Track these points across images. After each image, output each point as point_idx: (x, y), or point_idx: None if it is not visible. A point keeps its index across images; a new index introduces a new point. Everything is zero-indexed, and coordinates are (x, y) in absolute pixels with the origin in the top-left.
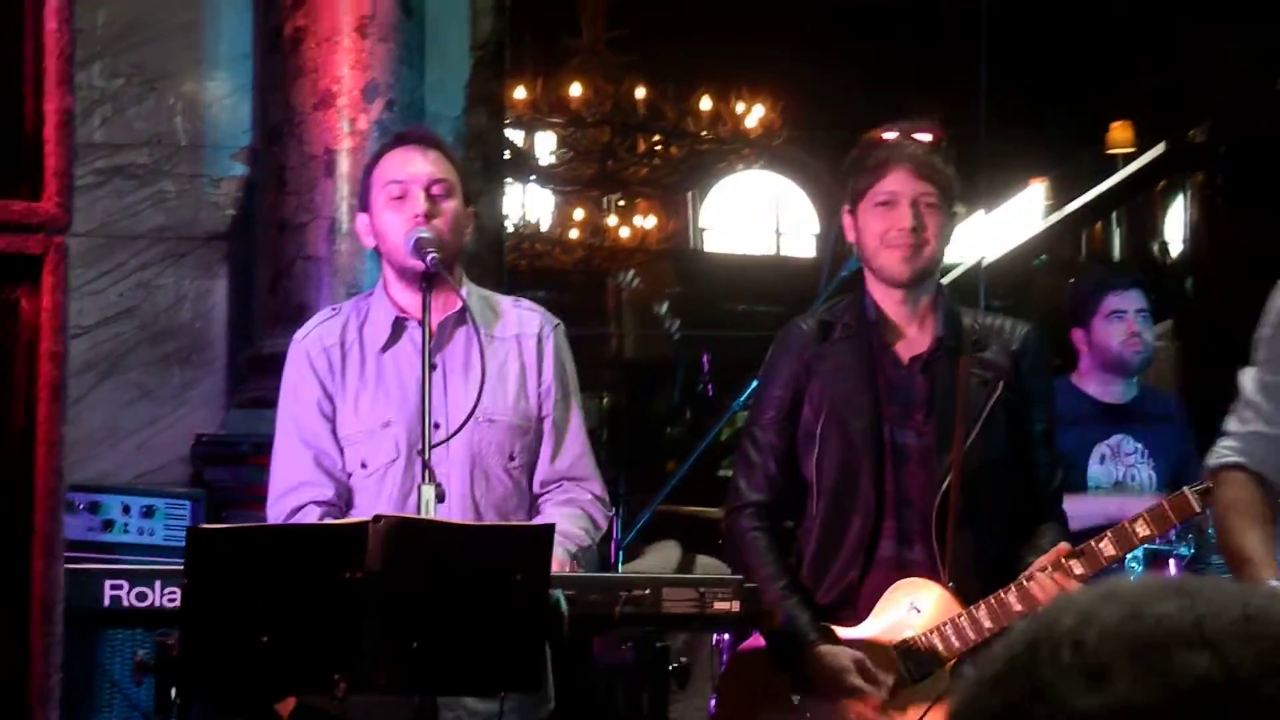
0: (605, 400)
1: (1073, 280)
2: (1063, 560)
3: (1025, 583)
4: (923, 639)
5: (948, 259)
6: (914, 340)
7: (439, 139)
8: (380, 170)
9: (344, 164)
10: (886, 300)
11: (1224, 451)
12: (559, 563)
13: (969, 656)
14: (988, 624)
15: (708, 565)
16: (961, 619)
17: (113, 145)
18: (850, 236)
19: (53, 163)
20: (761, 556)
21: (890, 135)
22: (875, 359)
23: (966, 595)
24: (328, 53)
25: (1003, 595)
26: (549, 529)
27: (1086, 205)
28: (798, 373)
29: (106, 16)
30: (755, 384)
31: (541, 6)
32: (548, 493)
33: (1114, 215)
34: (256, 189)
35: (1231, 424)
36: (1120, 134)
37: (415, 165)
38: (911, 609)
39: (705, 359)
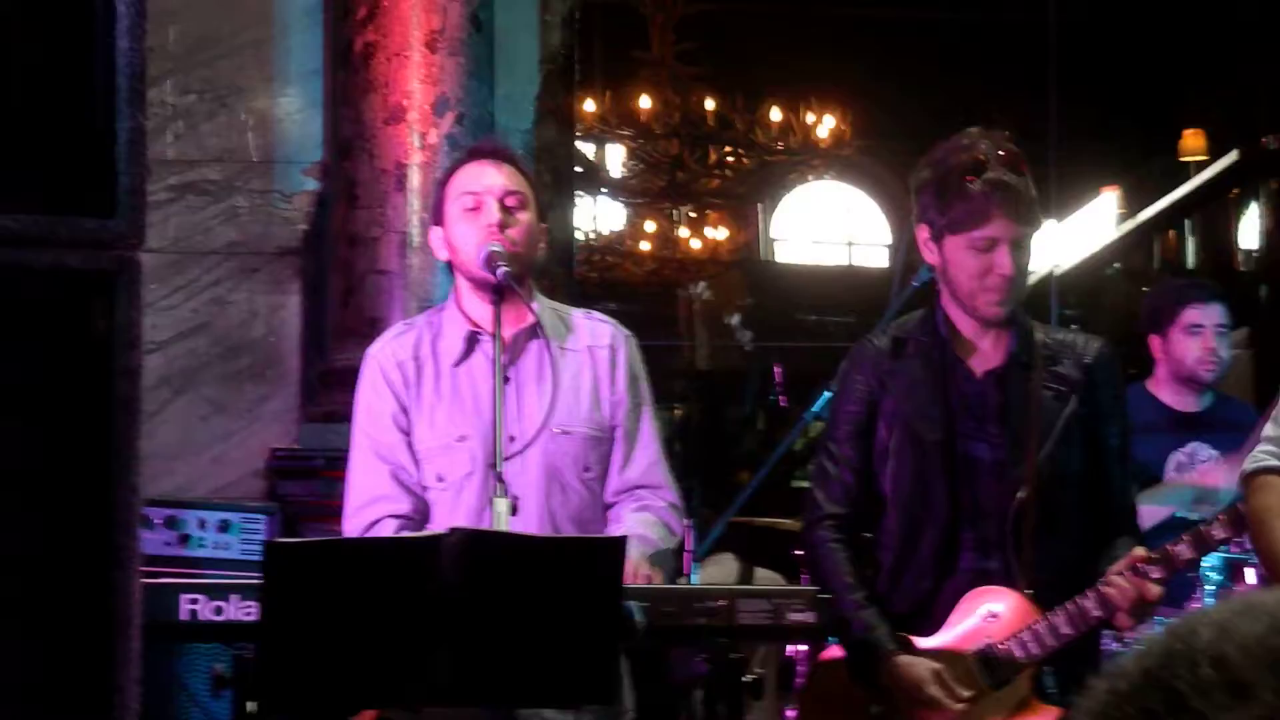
0: (677, 412)
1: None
2: (1139, 565)
3: (1102, 588)
4: (1001, 647)
5: None
6: (987, 354)
7: (512, 152)
8: (454, 183)
9: (415, 178)
10: (960, 317)
11: (1261, 456)
12: (634, 564)
13: (1047, 663)
14: (1065, 630)
15: (764, 577)
16: (1039, 625)
17: (185, 161)
18: (929, 257)
19: (125, 180)
20: (839, 567)
21: (967, 152)
22: (948, 373)
23: (1043, 604)
24: (398, 67)
25: (1080, 601)
26: (622, 540)
27: (1159, 213)
28: (871, 388)
29: (178, 33)
30: (827, 395)
31: (610, 19)
32: (620, 501)
33: (1187, 223)
34: (328, 204)
35: (1269, 429)
36: (1193, 141)
37: (489, 177)
38: (989, 617)
39: (777, 370)
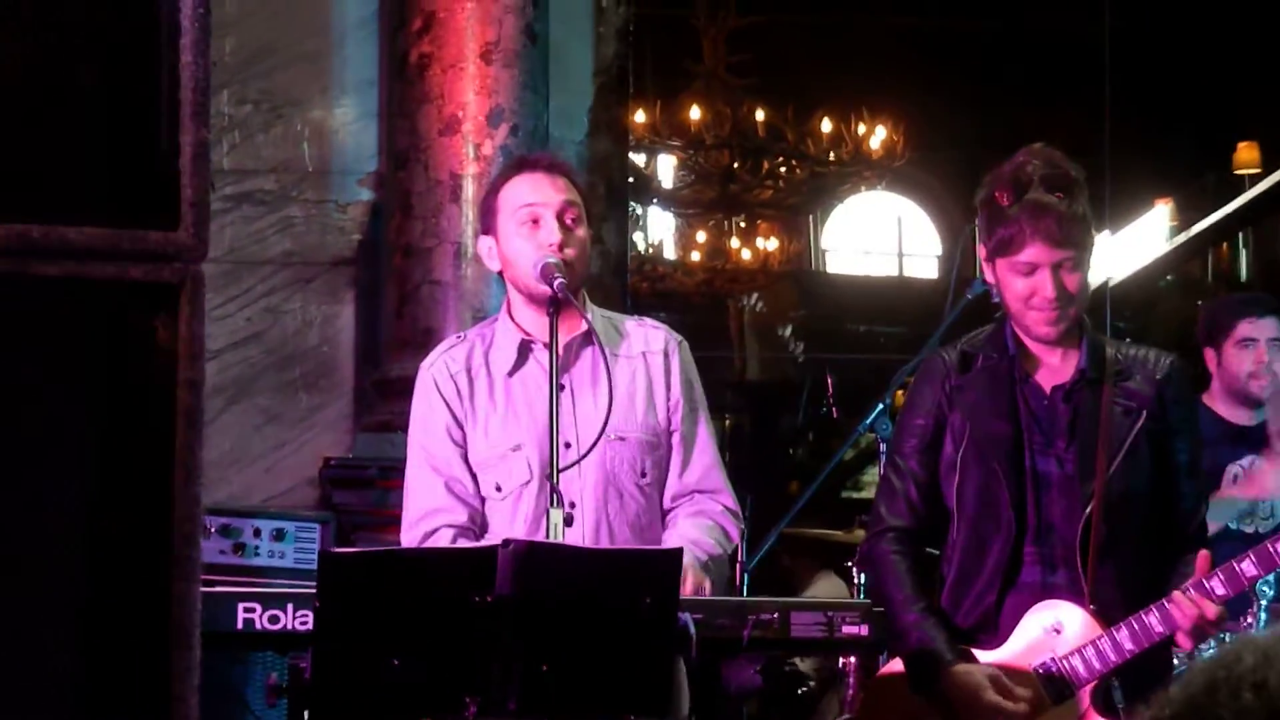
0: (728, 422)
1: (1210, 300)
2: (1204, 581)
3: (1166, 604)
4: (1063, 661)
5: None
6: (1056, 370)
7: (566, 164)
8: (509, 195)
9: (469, 189)
10: (1027, 334)
11: None
12: (689, 570)
13: (1115, 676)
14: (1129, 646)
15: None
16: (1102, 641)
17: (241, 171)
18: (987, 276)
19: (188, 193)
20: (900, 580)
21: (1013, 172)
22: (1016, 389)
23: (1109, 620)
24: (453, 79)
25: (1144, 616)
26: (678, 553)
27: (1213, 226)
28: (940, 403)
29: (234, 44)
30: (880, 407)
31: (662, 31)
32: (678, 506)
33: (1241, 236)
34: (382, 214)
35: None
36: (1247, 154)
37: (547, 191)
38: (1052, 631)
39: (829, 381)
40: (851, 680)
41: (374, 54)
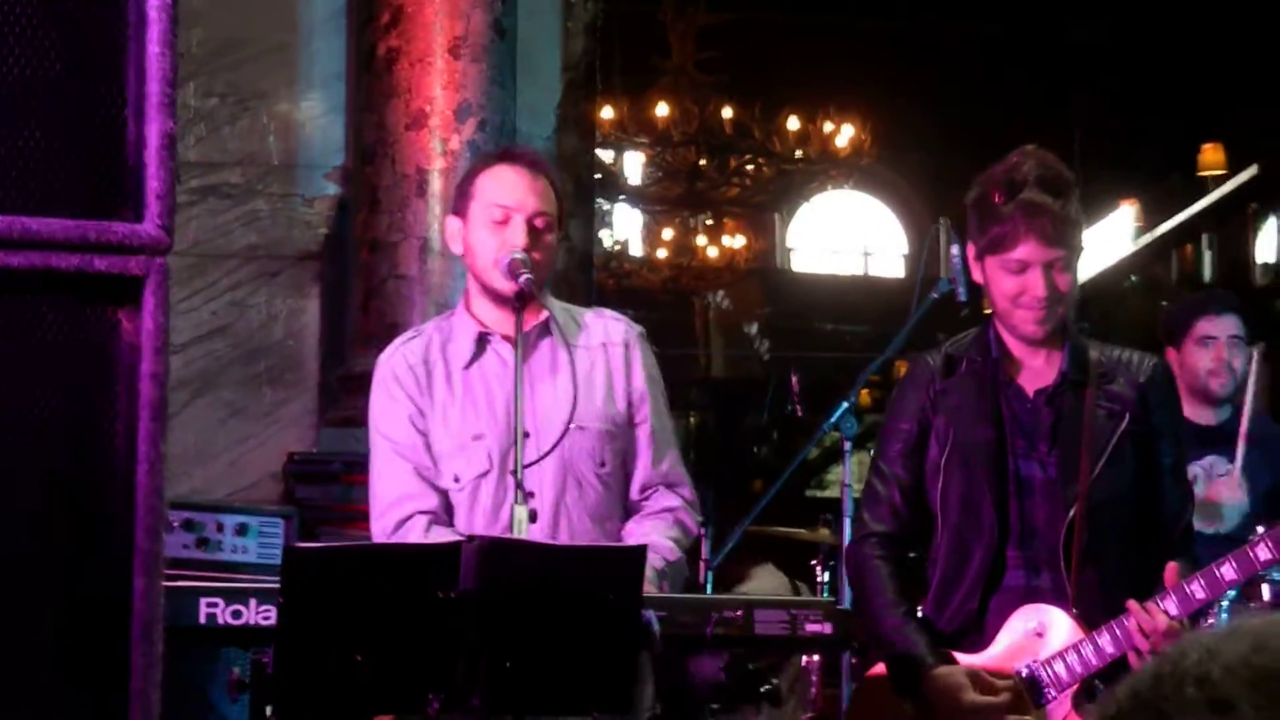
0: (693, 420)
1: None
2: (1184, 585)
3: (1144, 608)
4: (1045, 664)
5: None
6: (1039, 373)
7: (548, 166)
8: (486, 186)
9: (436, 184)
10: (1010, 335)
11: None
12: (645, 580)
13: (1091, 682)
14: (1110, 650)
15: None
16: (1084, 645)
17: (207, 164)
18: (975, 275)
19: (154, 185)
20: (881, 584)
21: (1007, 172)
22: (999, 392)
23: (1093, 624)
24: (421, 73)
25: (1124, 621)
26: (641, 550)
27: (1177, 227)
28: (924, 406)
29: (201, 36)
30: (845, 406)
31: (630, 27)
32: (644, 499)
33: (1205, 237)
34: (349, 208)
35: None
36: (1212, 156)
37: (523, 194)
38: (1034, 634)
39: (794, 379)
40: (814, 679)
41: (342, 48)
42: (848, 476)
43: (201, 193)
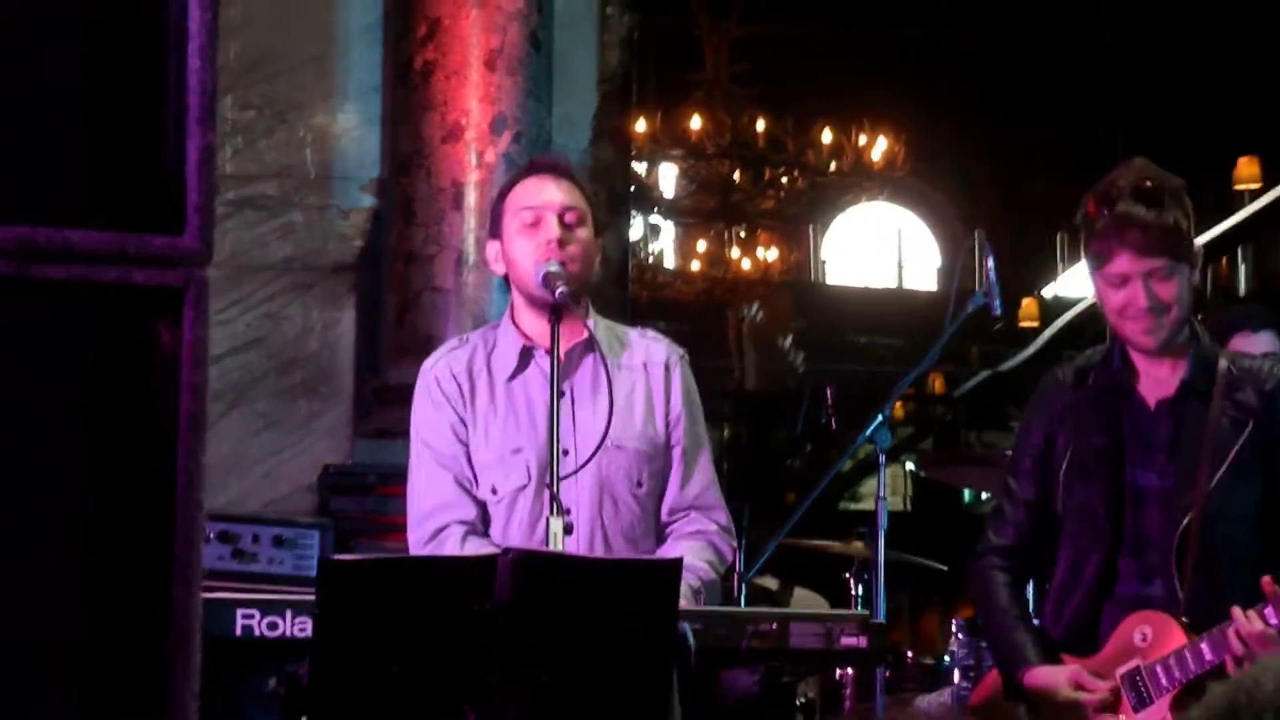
0: (726, 432)
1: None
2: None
3: (1245, 615)
4: (1147, 668)
5: (1072, 293)
6: (1161, 383)
7: (570, 168)
8: (513, 197)
9: (471, 196)
10: (1131, 348)
11: None
12: (681, 597)
13: (1191, 687)
14: (1209, 656)
15: (803, 596)
16: (1185, 650)
17: (243, 176)
18: (1093, 293)
19: (194, 198)
20: (997, 594)
21: (1107, 185)
22: (1121, 403)
23: (1206, 631)
24: (456, 86)
25: (1225, 628)
26: (677, 563)
27: (1211, 240)
28: (1051, 419)
29: (238, 49)
30: (880, 419)
31: (664, 40)
32: (675, 521)
33: (1240, 250)
34: (384, 221)
35: None
36: (1247, 169)
37: (549, 192)
38: (1140, 640)
39: (828, 391)
40: (848, 692)
41: (378, 60)
42: (882, 489)
43: (237, 205)
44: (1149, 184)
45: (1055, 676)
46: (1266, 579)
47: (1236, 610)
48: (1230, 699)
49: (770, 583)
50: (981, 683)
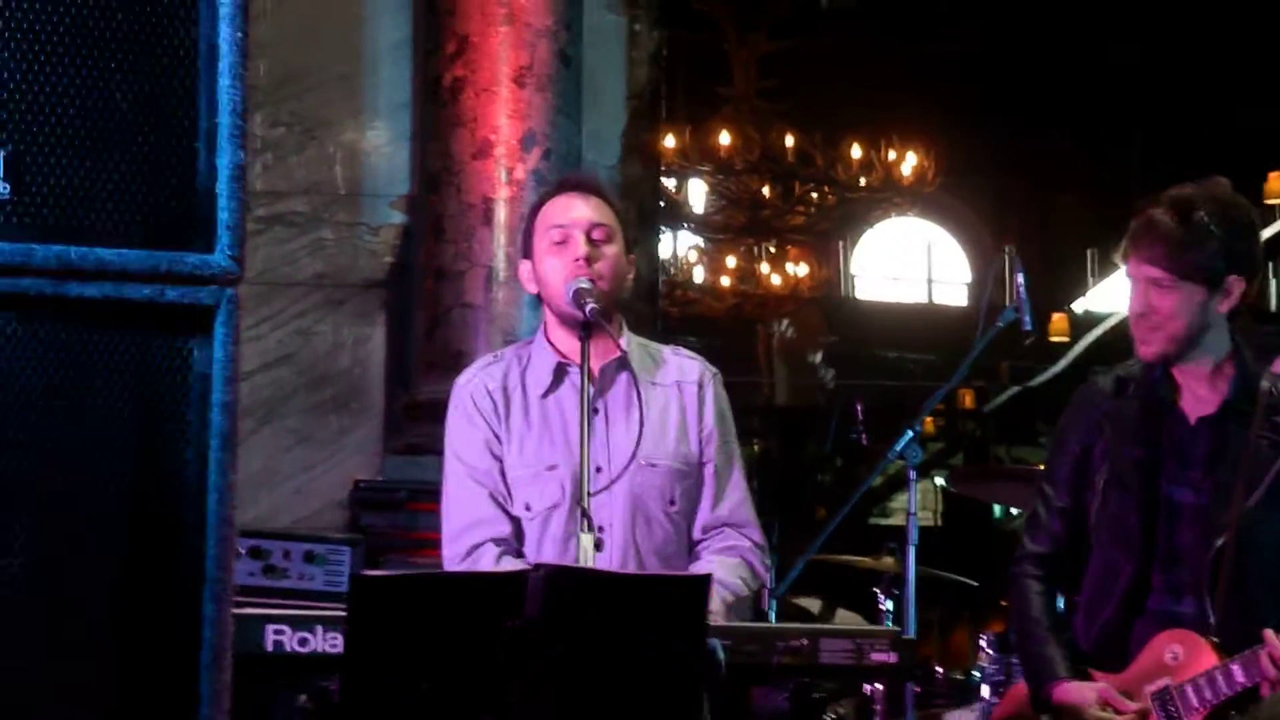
0: (756, 447)
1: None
2: None
3: (1277, 640)
4: (1177, 688)
5: (1103, 308)
6: (1202, 399)
7: (599, 185)
8: (542, 216)
9: (501, 213)
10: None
11: None
12: (713, 610)
13: (1222, 710)
14: (1241, 679)
15: (846, 618)
16: (1217, 672)
17: (273, 193)
18: None
19: (225, 216)
20: (1029, 602)
21: (1168, 192)
22: (1161, 416)
23: (1233, 653)
24: (486, 102)
25: (1258, 650)
26: (706, 579)
27: None
28: (1090, 428)
29: (268, 66)
30: (910, 435)
31: (693, 56)
32: (708, 539)
33: (1270, 266)
34: (414, 237)
35: None
36: (1278, 184)
37: (576, 210)
38: (1171, 658)
39: (858, 407)
40: (879, 708)
41: (407, 77)
42: (913, 505)
43: (268, 221)
44: (1188, 195)
45: (1084, 694)
46: None
47: (1269, 633)
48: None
49: (812, 604)
50: (1007, 695)
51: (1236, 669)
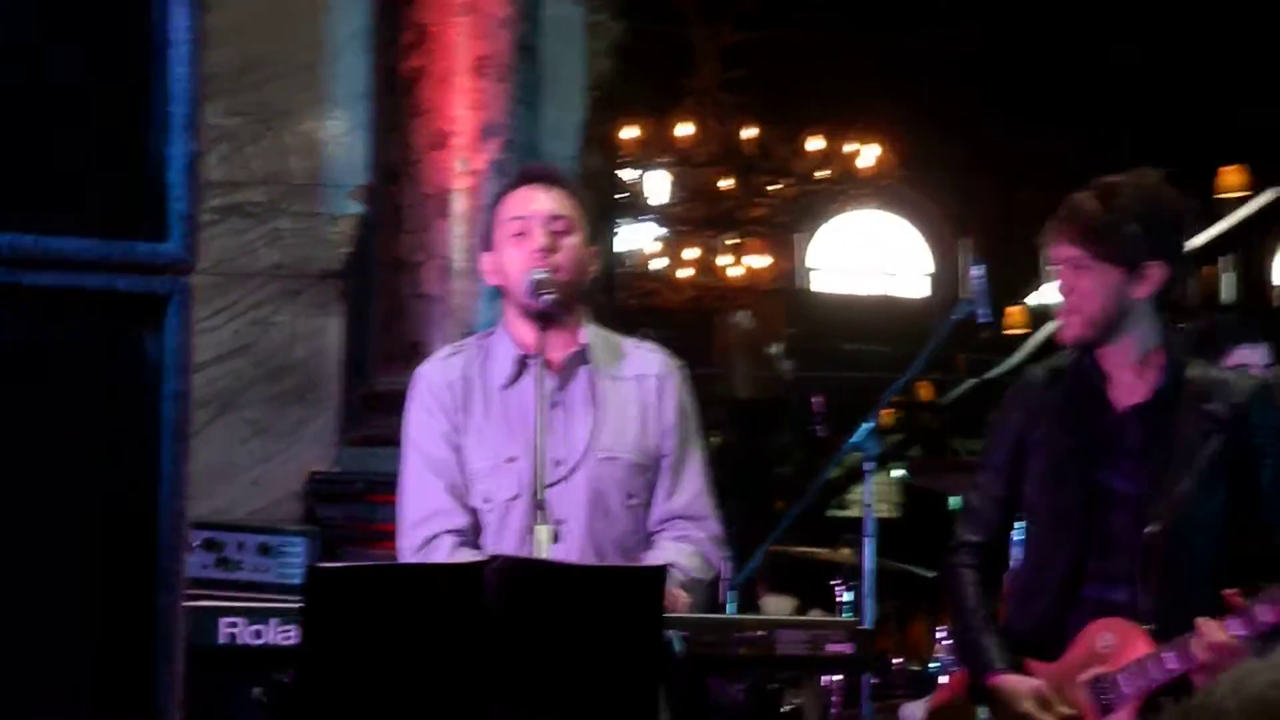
0: (715, 440)
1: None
2: (1252, 607)
3: (1210, 626)
4: (1111, 676)
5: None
6: (1131, 389)
7: (561, 176)
8: (503, 208)
9: (459, 204)
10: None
11: None
12: (668, 592)
13: (1155, 698)
14: (1173, 665)
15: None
16: (1150, 659)
17: (230, 183)
18: None
19: (178, 205)
20: (964, 590)
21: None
22: (1091, 405)
23: (1166, 640)
24: (445, 93)
25: (1190, 638)
26: (663, 570)
27: (1196, 248)
28: (1024, 418)
29: (226, 55)
30: (867, 427)
31: (657, 46)
32: (663, 530)
33: (1223, 259)
34: (372, 228)
35: None
36: (1231, 178)
37: (536, 202)
38: (1104, 647)
39: (817, 400)
40: (835, 699)
41: (365, 67)
42: (869, 496)
43: (224, 211)
44: (1114, 183)
45: (1019, 687)
46: (1230, 591)
47: (1201, 620)
48: (1187, 706)
49: (785, 604)
50: (948, 682)
51: (1169, 656)
